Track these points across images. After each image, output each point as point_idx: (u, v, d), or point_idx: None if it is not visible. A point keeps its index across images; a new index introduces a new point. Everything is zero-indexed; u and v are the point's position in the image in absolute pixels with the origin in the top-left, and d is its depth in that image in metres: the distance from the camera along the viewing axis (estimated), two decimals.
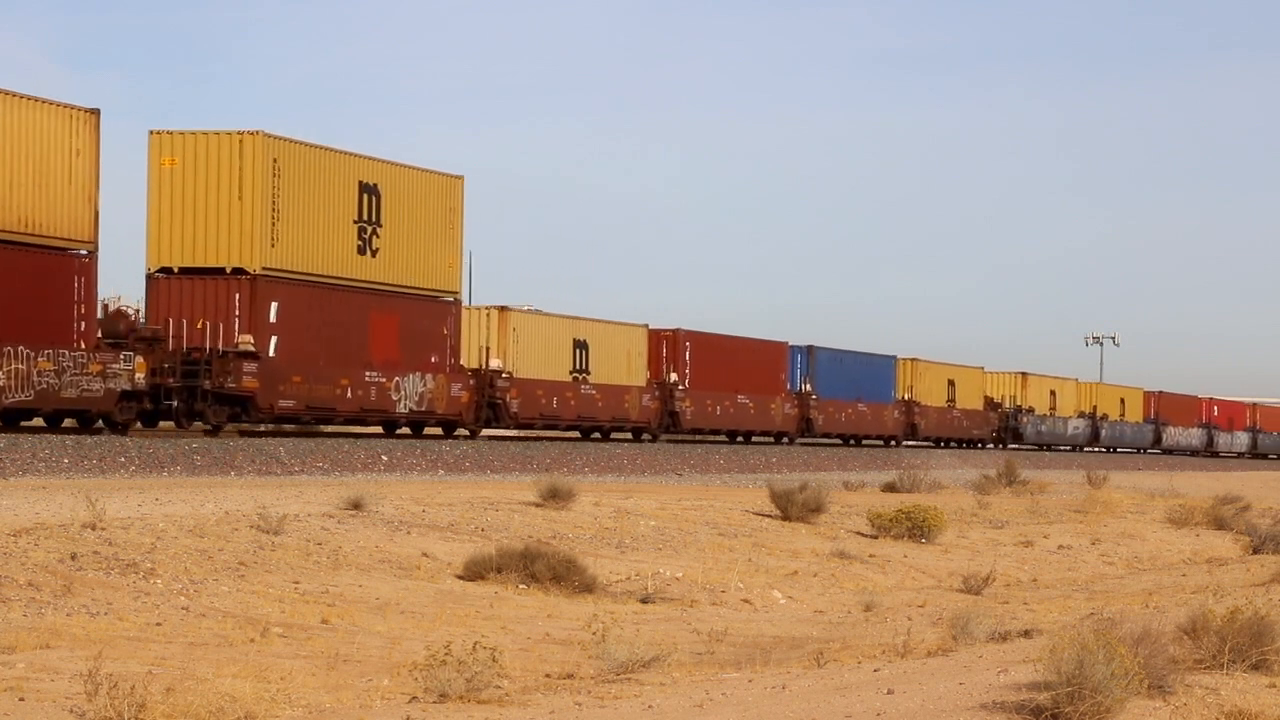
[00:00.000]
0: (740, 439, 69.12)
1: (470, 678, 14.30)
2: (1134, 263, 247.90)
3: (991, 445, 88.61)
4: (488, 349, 52.79)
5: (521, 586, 22.58)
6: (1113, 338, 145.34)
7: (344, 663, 16.53)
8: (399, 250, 47.54)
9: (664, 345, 63.53)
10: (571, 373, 57.32)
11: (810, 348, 73.51)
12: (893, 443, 79.66)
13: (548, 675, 16.69)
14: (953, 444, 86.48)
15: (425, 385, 48.14)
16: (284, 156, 43.18)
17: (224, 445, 38.53)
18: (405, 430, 49.88)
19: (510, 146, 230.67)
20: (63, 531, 20.68)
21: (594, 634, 17.35)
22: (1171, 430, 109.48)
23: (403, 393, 47.21)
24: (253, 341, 41.86)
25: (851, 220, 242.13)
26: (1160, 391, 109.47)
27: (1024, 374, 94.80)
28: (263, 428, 44.30)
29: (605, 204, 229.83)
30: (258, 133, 42.47)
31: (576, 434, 59.60)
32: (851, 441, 77.15)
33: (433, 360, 48.76)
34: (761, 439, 70.37)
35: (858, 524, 33.55)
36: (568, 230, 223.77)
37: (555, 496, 30.15)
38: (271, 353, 42.42)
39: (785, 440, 71.04)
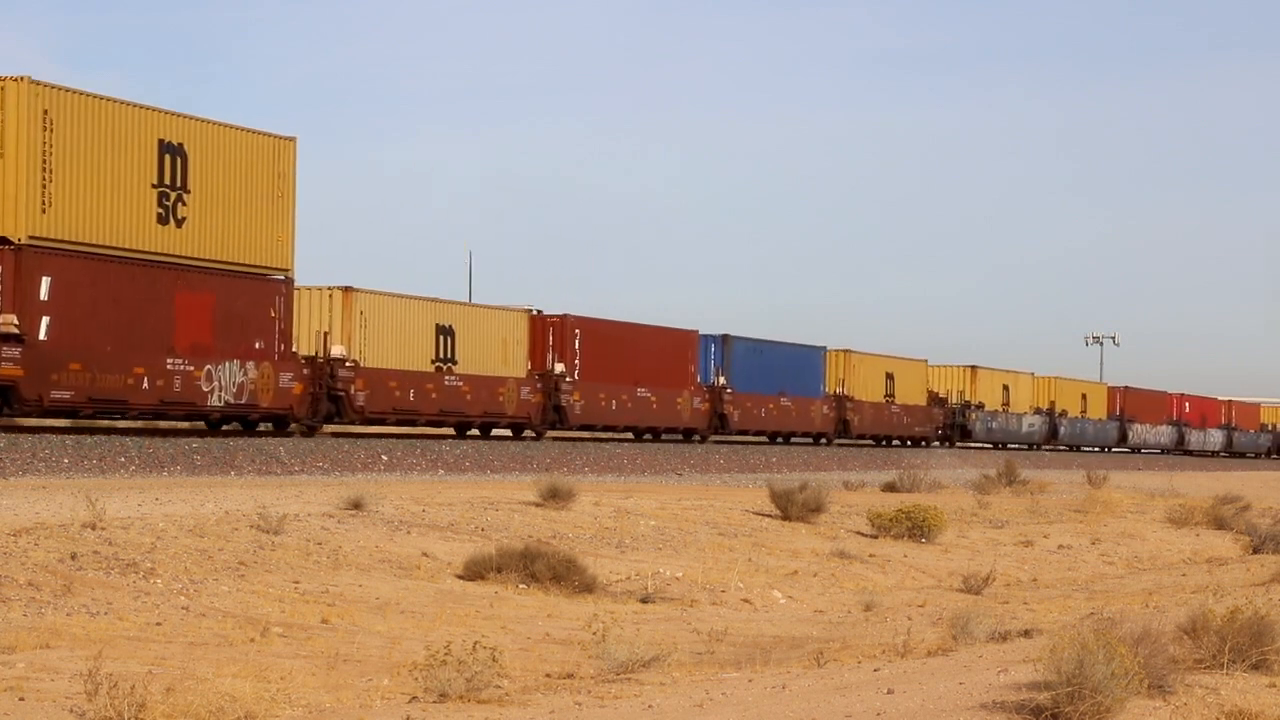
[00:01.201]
0: (648, 436, 63.10)
1: (470, 678, 14.31)
2: (1134, 263, 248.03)
3: (936, 444, 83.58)
4: (328, 334, 46.90)
5: (521, 586, 22.59)
6: (1113, 338, 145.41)
7: (344, 662, 16.54)
8: (212, 220, 40.83)
9: (549, 333, 57.35)
10: (434, 362, 51.41)
11: (725, 336, 67.57)
12: (822, 440, 74.19)
13: (548, 675, 16.70)
14: (893, 442, 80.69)
15: (246, 375, 41.89)
16: (58, 108, 36.69)
17: (224, 445, 38.49)
18: (234, 425, 43.82)
19: (510, 146, 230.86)
20: (63, 531, 20.69)
21: (594, 634, 17.36)
22: (1138, 428, 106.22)
23: (216, 383, 40.94)
24: (16, 322, 35.70)
25: (851, 220, 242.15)
26: (1126, 387, 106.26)
27: (973, 367, 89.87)
28: (31, 422, 39.01)
29: (605, 204, 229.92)
30: (23, 79, 35.98)
31: (450, 430, 53.80)
32: (779, 440, 72.08)
33: (257, 346, 42.42)
34: (670, 437, 64.14)
35: (858, 524, 33.57)
36: (568, 230, 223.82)
37: (555, 496, 30.16)
38: (42, 335, 36.32)
39: (696, 438, 65.00)
